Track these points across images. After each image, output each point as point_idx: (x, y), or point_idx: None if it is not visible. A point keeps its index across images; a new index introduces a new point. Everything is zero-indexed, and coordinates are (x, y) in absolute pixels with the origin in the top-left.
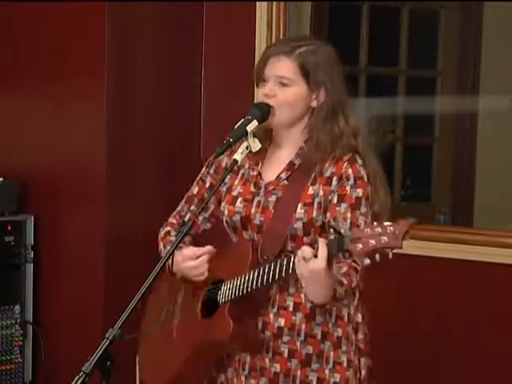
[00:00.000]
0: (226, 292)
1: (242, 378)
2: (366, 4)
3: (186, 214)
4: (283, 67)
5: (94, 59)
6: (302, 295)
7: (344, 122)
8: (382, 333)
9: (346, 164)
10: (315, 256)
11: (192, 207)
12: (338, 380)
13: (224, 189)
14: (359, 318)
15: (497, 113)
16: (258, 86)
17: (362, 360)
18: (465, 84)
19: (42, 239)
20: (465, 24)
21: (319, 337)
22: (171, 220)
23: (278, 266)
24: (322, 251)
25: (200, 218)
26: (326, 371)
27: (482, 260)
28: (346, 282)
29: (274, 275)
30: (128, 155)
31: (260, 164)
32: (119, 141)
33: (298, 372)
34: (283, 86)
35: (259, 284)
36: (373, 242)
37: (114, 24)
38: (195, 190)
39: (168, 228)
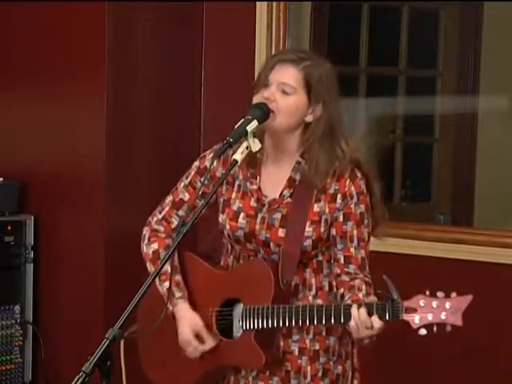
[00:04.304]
0: (250, 319)
1: (250, 379)
2: (366, 4)
3: (175, 219)
4: (289, 75)
5: (94, 59)
6: (310, 298)
7: (345, 143)
8: (381, 333)
9: (348, 182)
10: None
11: (180, 212)
12: (340, 371)
13: (221, 200)
14: None
15: (497, 113)
16: (256, 90)
17: (355, 350)
18: (465, 84)
19: (42, 239)
20: (465, 24)
21: (324, 333)
22: (156, 226)
23: (324, 316)
24: (378, 324)
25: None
26: (331, 363)
27: (481, 260)
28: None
29: (314, 320)
30: (128, 155)
31: (258, 178)
32: (119, 141)
33: (308, 368)
34: (284, 94)
35: (294, 323)
36: (430, 317)
37: (114, 24)
38: (185, 196)
39: (155, 245)
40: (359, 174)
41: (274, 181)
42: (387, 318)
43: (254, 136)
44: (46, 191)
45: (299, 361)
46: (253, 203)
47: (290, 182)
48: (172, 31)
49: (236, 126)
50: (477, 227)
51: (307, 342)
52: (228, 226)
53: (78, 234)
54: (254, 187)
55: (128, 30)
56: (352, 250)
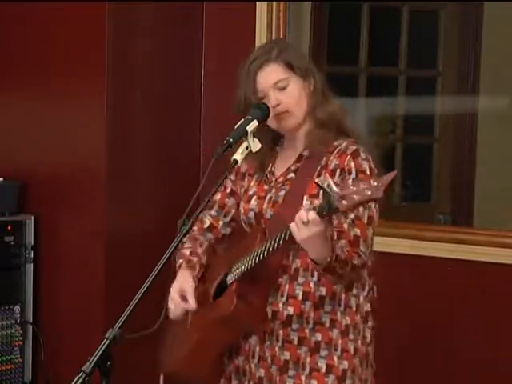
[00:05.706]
0: (234, 272)
1: (252, 366)
2: (366, 4)
3: (207, 219)
4: (274, 72)
5: (94, 59)
6: (312, 284)
7: (337, 102)
8: (382, 332)
9: (348, 157)
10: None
11: (212, 212)
12: (346, 367)
13: (242, 191)
14: (368, 307)
15: (497, 113)
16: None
17: (370, 348)
18: (465, 84)
19: (42, 239)
20: (465, 24)
21: (327, 325)
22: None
23: (278, 235)
24: (312, 216)
25: (220, 222)
26: (335, 358)
27: (481, 260)
28: (344, 254)
29: (272, 244)
30: (128, 155)
31: (271, 165)
32: (119, 141)
33: (308, 359)
34: (282, 90)
35: (260, 256)
36: (357, 196)
37: (114, 24)
38: (217, 196)
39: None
40: (363, 155)
41: (286, 160)
42: (323, 211)
43: (254, 136)
44: (46, 191)
45: (298, 351)
46: (265, 186)
47: (299, 158)
48: (172, 31)
49: (236, 126)
50: (477, 227)
51: (307, 331)
52: (242, 210)
53: (78, 234)
54: (267, 172)
55: (128, 30)
56: (345, 225)
